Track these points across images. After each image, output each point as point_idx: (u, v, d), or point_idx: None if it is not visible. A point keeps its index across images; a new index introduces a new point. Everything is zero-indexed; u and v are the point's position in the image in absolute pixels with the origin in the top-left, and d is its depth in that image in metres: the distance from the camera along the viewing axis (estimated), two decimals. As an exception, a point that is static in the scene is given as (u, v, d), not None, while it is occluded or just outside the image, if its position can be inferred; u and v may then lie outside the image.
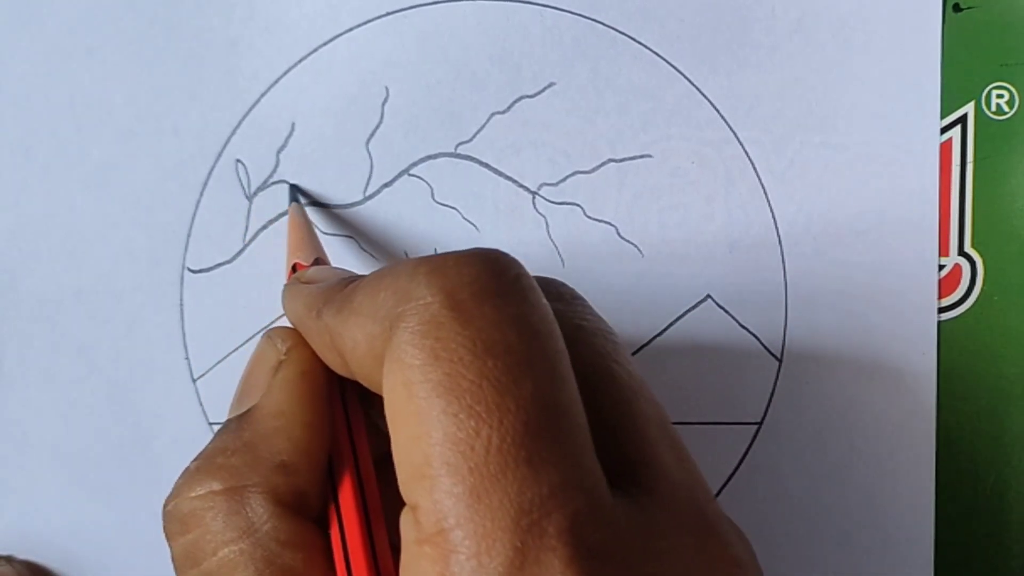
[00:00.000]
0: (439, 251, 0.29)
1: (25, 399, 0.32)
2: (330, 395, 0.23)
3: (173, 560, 0.22)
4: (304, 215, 0.30)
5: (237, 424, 0.22)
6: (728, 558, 0.20)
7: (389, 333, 0.19)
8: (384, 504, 0.22)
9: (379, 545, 0.21)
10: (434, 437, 0.17)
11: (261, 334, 0.24)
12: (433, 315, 0.18)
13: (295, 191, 0.31)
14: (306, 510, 0.22)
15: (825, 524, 0.31)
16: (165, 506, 0.22)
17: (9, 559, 0.32)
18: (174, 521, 0.22)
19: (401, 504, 0.19)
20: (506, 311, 0.18)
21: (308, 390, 0.22)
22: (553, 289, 0.23)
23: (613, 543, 0.18)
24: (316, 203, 0.31)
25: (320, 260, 0.27)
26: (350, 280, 0.22)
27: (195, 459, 0.22)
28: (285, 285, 0.25)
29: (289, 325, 0.24)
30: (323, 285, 0.22)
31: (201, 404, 0.32)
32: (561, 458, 0.18)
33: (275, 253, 0.31)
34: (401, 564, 0.18)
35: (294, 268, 0.27)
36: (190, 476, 0.22)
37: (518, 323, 0.18)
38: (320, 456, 0.22)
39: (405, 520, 0.18)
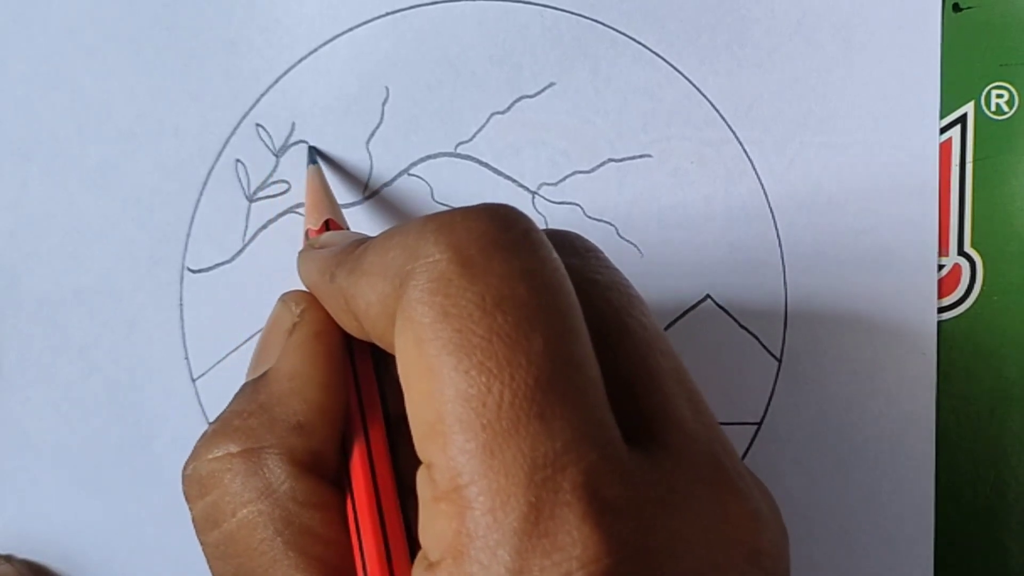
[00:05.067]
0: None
1: (25, 399, 0.32)
2: (345, 356, 0.23)
3: (193, 522, 0.22)
4: (320, 177, 0.30)
5: (253, 387, 0.23)
6: (746, 512, 0.19)
7: (400, 291, 0.19)
8: (404, 462, 0.22)
9: (387, 505, 0.21)
10: (446, 394, 0.17)
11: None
12: (442, 272, 0.18)
13: (314, 153, 0.31)
14: (323, 470, 0.22)
15: (825, 524, 0.31)
16: (184, 470, 0.22)
17: (9, 558, 0.32)
18: (193, 484, 0.22)
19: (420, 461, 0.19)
20: (515, 265, 0.18)
21: (322, 351, 0.22)
22: (567, 242, 0.22)
23: (628, 497, 0.18)
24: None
25: (332, 223, 0.27)
26: (361, 242, 0.21)
27: (212, 423, 0.23)
28: (300, 252, 0.25)
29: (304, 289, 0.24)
30: (335, 249, 0.22)
31: (201, 404, 0.32)
32: (574, 413, 0.17)
33: (275, 253, 0.31)
34: (419, 522, 0.18)
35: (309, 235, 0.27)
36: (208, 439, 0.22)
37: (527, 277, 0.18)
38: (336, 417, 0.22)
39: (421, 478, 0.18)
